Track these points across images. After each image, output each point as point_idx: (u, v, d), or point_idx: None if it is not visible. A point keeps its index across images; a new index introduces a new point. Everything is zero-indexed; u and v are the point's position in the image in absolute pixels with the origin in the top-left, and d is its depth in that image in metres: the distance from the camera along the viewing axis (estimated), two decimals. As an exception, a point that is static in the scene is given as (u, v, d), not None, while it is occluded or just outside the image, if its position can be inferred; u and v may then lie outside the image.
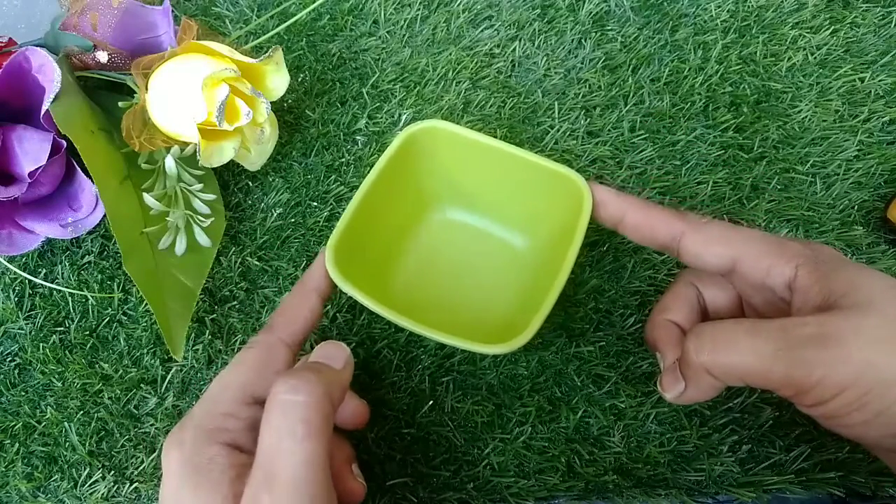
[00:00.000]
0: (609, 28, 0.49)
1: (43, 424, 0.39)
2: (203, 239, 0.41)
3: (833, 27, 0.48)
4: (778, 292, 0.29)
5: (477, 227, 0.42)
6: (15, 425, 0.39)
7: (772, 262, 0.28)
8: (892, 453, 0.28)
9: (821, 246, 0.29)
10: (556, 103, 0.46)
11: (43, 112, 0.38)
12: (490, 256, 0.41)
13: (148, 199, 0.39)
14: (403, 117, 0.46)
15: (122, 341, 0.41)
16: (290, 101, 0.48)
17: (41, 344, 0.41)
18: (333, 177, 0.45)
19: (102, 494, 0.37)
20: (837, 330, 0.25)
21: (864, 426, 0.26)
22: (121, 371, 0.40)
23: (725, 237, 0.30)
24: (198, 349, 0.40)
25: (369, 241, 0.37)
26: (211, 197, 0.41)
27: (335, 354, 0.30)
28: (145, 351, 0.40)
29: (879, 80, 0.46)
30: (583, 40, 0.49)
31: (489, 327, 0.38)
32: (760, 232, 0.30)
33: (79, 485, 0.37)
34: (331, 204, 0.44)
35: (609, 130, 0.45)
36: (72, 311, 0.42)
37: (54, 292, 0.42)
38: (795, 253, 0.28)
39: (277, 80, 0.42)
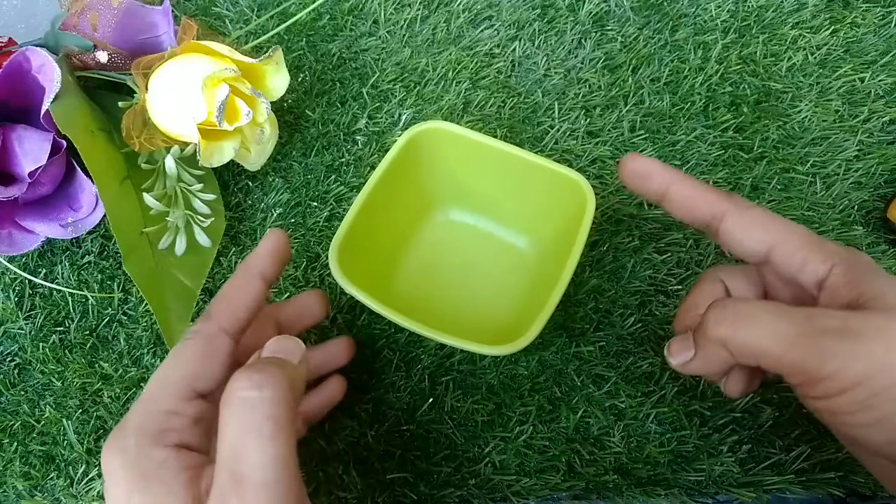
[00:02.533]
0: (609, 28, 0.49)
1: (42, 423, 0.39)
2: (203, 239, 0.41)
3: (833, 27, 0.48)
4: (807, 289, 0.29)
5: (479, 227, 0.41)
6: (14, 424, 0.39)
7: (807, 257, 0.28)
8: (884, 462, 0.27)
9: (858, 252, 0.29)
10: (556, 103, 0.46)
11: (43, 112, 0.38)
12: (492, 257, 0.41)
13: (148, 199, 0.39)
14: (403, 117, 0.46)
15: (122, 341, 0.41)
16: (290, 101, 0.48)
17: (41, 344, 0.41)
18: (333, 177, 0.45)
19: (98, 492, 0.37)
20: (860, 327, 0.25)
21: (867, 428, 0.26)
22: (120, 370, 0.40)
23: (767, 223, 0.29)
24: (198, 349, 0.40)
25: (372, 241, 0.37)
26: (211, 197, 0.41)
27: (291, 348, 0.28)
28: (145, 351, 0.40)
29: (879, 80, 0.46)
30: (583, 40, 0.49)
31: (491, 328, 0.38)
32: (803, 227, 0.29)
33: (75, 483, 0.37)
34: (331, 204, 0.44)
35: (609, 130, 0.45)
36: (72, 311, 0.42)
37: (54, 292, 0.42)
38: (832, 252, 0.28)
39: (277, 80, 0.42)
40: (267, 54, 0.40)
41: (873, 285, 0.26)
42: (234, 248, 0.43)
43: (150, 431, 0.26)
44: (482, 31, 0.49)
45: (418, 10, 0.50)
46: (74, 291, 0.42)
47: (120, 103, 0.41)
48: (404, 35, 0.50)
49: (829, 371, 0.25)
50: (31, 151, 0.39)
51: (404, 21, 0.50)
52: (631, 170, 0.32)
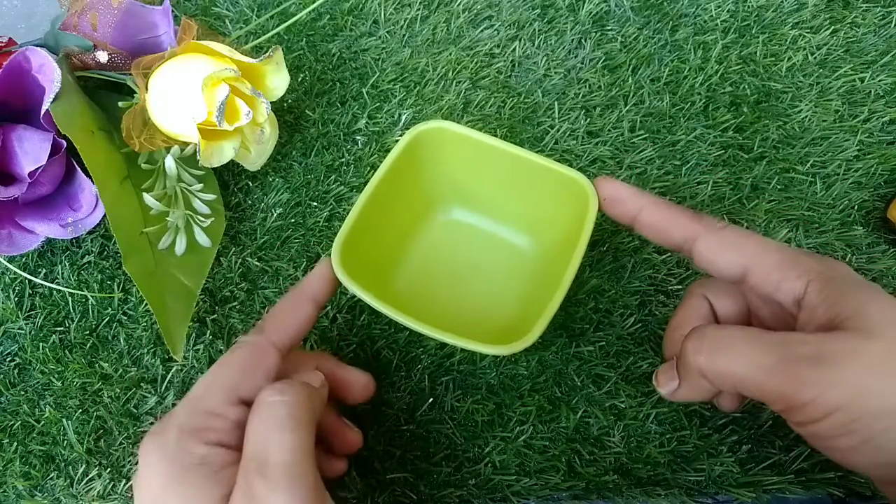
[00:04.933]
0: (609, 28, 0.49)
1: (42, 423, 0.39)
2: (203, 239, 0.41)
3: (833, 27, 0.48)
4: (786, 307, 0.28)
5: (481, 228, 0.41)
6: (14, 424, 0.39)
7: (783, 276, 0.28)
8: (886, 484, 0.27)
9: (836, 263, 0.28)
10: (556, 103, 0.46)
11: (43, 112, 0.38)
12: (494, 258, 0.41)
13: (148, 199, 0.39)
14: (403, 117, 0.46)
15: (122, 341, 0.41)
16: (290, 101, 0.48)
17: (41, 344, 0.41)
18: (333, 177, 0.45)
19: (98, 492, 0.37)
20: (836, 352, 0.25)
21: (851, 452, 0.26)
22: (121, 370, 0.40)
23: (740, 245, 0.29)
24: (199, 349, 0.40)
25: (374, 241, 0.37)
26: (211, 197, 0.41)
27: (311, 377, 0.32)
28: (145, 351, 0.40)
29: (879, 80, 0.46)
30: (583, 40, 0.49)
31: (492, 328, 0.38)
32: (777, 243, 0.29)
33: (75, 483, 0.37)
34: (331, 204, 0.44)
35: (609, 130, 0.45)
36: (72, 311, 0.42)
37: (54, 292, 0.42)
38: (807, 269, 0.28)
39: (277, 80, 0.42)
40: (267, 54, 0.40)
41: (849, 303, 0.26)
42: (234, 248, 0.43)
43: (190, 428, 0.28)
44: (482, 31, 0.49)
45: (418, 10, 0.50)
46: (74, 291, 0.42)
47: (120, 103, 0.41)
48: (404, 35, 0.50)
49: (807, 398, 0.25)
50: (31, 151, 0.39)
51: (404, 21, 0.50)
52: (604, 194, 0.33)
